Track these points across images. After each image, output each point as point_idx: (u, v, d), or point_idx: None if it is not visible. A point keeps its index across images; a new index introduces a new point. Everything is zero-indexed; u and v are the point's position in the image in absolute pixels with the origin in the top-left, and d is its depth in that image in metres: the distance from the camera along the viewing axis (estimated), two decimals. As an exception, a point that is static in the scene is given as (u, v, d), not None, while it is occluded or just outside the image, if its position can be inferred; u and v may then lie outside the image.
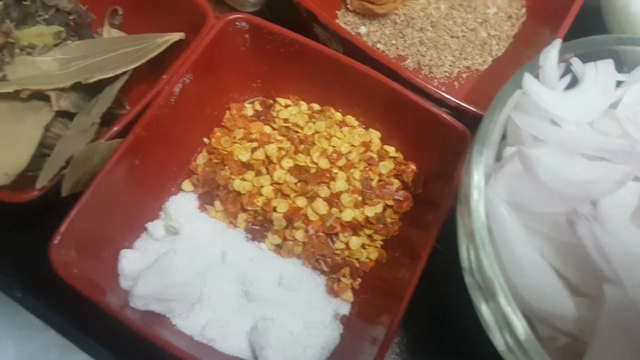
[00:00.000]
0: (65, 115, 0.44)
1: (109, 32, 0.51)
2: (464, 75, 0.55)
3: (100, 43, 0.49)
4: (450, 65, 0.55)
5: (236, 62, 0.47)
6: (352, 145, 0.46)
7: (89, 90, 0.45)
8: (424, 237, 0.42)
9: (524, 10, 0.59)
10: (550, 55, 0.39)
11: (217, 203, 0.45)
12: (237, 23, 0.45)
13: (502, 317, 0.33)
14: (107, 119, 0.44)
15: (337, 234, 0.44)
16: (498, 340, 0.35)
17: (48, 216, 0.40)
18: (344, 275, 0.43)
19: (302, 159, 0.45)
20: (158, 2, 0.49)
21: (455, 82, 0.55)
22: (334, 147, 0.46)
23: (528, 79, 0.38)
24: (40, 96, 0.43)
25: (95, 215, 0.38)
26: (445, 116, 0.43)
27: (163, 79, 0.43)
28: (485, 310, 0.36)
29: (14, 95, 0.42)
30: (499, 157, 0.39)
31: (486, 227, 0.34)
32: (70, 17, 0.51)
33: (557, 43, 0.39)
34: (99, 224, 0.39)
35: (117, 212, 0.41)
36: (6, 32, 0.47)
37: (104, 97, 0.43)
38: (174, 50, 0.47)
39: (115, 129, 0.40)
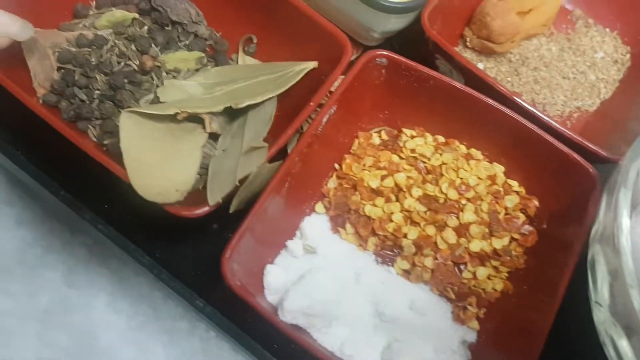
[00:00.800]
0: (212, 136, 0.48)
1: (243, 59, 0.54)
2: (575, 115, 0.58)
3: (238, 70, 0.52)
4: (562, 105, 0.57)
5: (369, 94, 0.50)
6: (479, 178, 0.49)
7: (232, 113, 0.48)
8: (554, 274, 0.44)
9: (628, 56, 0.61)
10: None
11: (348, 226, 0.48)
12: (377, 59, 0.48)
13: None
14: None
15: (465, 264, 0.46)
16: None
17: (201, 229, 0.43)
18: (470, 304, 0.45)
19: (431, 189, 0.48)
20: (293, 31, 0.51)
21: (567, 122, 0.57)
22: (461, 179, 0.48)
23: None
24: (191, 118, 0.46)
25: (253, 232, 0.41)
26: (576, 157, 0.46)
27: (310, 105, 0.45)
28: (624, 345, 0.38)
29: (170, 117, 0.45)
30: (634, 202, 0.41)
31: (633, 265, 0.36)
32: (207, 43, 0.54)
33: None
34: (254, 240, 0.42)
35: (265, 230, 0.44)
36: (154, 56, 0.50)
37: (258, 121, 0.46)
38: (303, 77, 0.50)
39: (272, 150, 0.43)
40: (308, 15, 0.50)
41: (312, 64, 0.50)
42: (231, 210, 0.40)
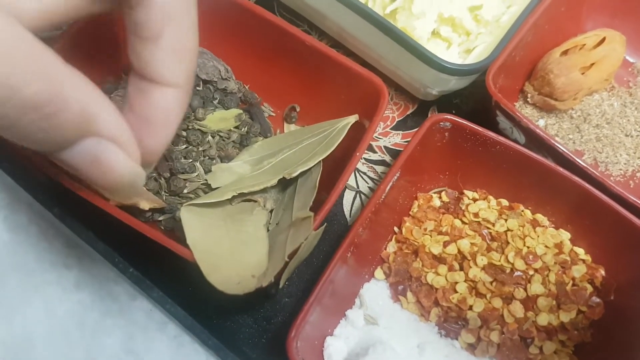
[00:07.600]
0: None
1: (288, 129, 0.53)
2: (638, 175, 0.56)
3: (281, 139, 0.49)
4: (625, 164, 0.55)
5: (431, 156, 0.49)
6: (546, 247, 0.47)
7: (284, 184, 0.46)
8: (623, 350, 0.42)
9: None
10: None
11: (409, 294, 0.47)
12: (441, 123, 0.47)
13: None
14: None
15: (532, 338, 0.45)
16: None
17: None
18: (537, 380, 0.44)
19: (497, 258, 0.46)
20: (323, 78, 0.49)
21: (630, 182, 0.55)
22: (528, 247, 0.47)
23: None
24: (247, 198, 0.44)
25: (315, 307, 0.40)
26: (640, 225, 0.44)
27: (356, 156, 0.43)
28: None
29: (227, 202, 0.43)
30: None
31: None
32: (238, 97, 0.52)
33: None
34: (316, 314, 0.41)
35: (327, 302, 0.43)
36: (202, 118, 0.49)
37: (303, 189, 0.44)
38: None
39: (319, 217, 0.40)
40: (336, 60, 0.47)
41: (354, 118, 0.47)
42: (280, 285, 0.38)
